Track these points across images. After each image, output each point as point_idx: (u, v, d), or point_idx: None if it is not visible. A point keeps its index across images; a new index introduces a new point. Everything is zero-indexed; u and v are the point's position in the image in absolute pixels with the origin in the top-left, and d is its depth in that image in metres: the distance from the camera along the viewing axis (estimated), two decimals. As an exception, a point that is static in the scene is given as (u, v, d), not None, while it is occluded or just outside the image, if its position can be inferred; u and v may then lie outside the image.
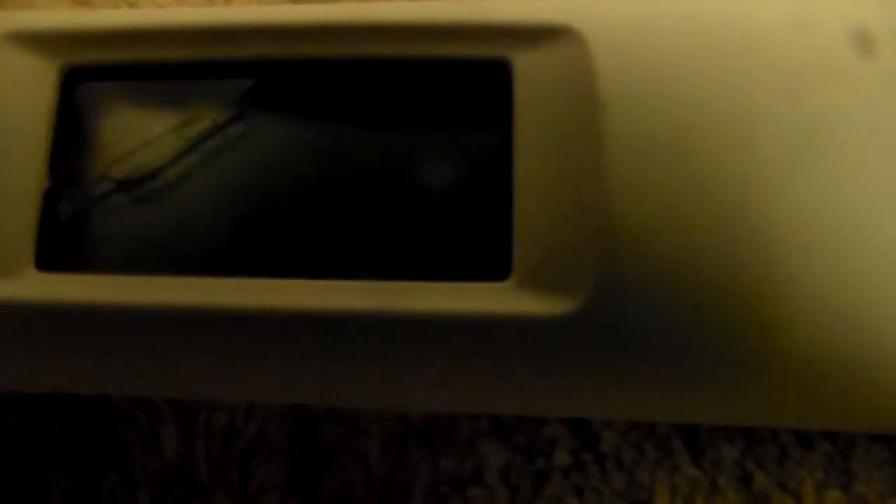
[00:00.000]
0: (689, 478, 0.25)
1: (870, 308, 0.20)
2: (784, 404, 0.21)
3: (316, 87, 0.22)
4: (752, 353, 0.20)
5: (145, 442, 0.26)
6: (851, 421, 0.22)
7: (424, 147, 0.21)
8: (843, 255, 0.19)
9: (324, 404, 0.24)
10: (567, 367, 0.20)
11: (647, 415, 0.22)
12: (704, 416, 0.22)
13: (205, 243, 0.21)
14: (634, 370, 0.20)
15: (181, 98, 0.22)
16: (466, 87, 0.21)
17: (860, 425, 0.22)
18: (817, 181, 0.20)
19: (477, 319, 0.20)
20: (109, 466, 0.25)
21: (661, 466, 0.25)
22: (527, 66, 0.21)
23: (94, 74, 0.22)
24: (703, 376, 0.20)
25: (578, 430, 0.25)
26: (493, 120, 0.21)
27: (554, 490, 0.25)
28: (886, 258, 0.20)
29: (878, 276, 0.20)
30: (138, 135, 0.22)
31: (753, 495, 0.25)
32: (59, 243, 0.21)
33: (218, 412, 0.26)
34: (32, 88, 0.22)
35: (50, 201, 0.21)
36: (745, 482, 0.25)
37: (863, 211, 0.20)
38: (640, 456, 0.25)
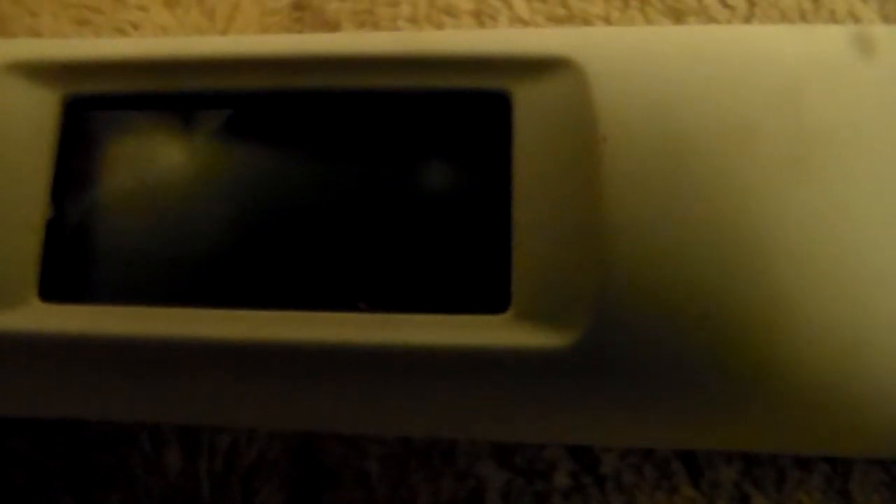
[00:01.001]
0: (688, 499, 0.25)
1: (869, 333, 0.20)
2: (783, 431, 0.21)
3: (314, 119, 0.22)
4: (751, 381, 0.20)
5: (148, 462, 0.26)
6: (850, 447, 0.22)
7: (423, 179, 0.21)
8: (844, 276, 0.20)
9: (324, 430, 0.24)
10: (566, 399, 0.20)
11: (646, 443, 0.23)
12: (703, 443, 0.22)
13: (207, 275, 0.21)
14: (633, 401, 0.20)
15: (186, 127, 0.22)
16: (466, 118, 0.21)
17: (859, 451, 0.23)
18: (817, 197, 0.20)
19: (475, 352, 0.20)
20: (112, 487, 0.26)
21: (660, 489, 0.25)
22: (526, 98, 0.21)
23: (96, 104, 0.22)
24: (702, 406, 0.20)
25: (578, 452, 0.25)
26: (493, 152, 0.21)
27: (553, 512, 0.25)
28: (888, 276, 0.20)
29: (879, 301, 0.20)
30: (142, 164, 0.22)
31: (752, 517, 0.25)
32: (63, 274, 0.22)
33: (221, 433, 0.26)
34: (35, 118, 0.22)
35: (53, 231, 0.22)
36: (743, 504, 0.25)
37: (864, 220, 0.20)
38: (639, 478, 0.25)
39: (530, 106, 0.21)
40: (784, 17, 0.26)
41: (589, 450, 0.25)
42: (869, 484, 0.25)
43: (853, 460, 0.25)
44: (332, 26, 0.27)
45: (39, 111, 0.22)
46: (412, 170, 0.22)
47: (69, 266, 0.22)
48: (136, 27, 0.28)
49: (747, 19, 0.27)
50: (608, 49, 0.21)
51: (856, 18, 0.26)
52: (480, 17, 0.27)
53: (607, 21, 0.27)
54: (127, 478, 0.26)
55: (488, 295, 0.20)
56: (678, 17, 0.27)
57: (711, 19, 0.27)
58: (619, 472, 0.25)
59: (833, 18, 0.26)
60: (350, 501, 0.26)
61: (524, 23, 0.27)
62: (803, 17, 0.26)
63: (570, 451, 0.25)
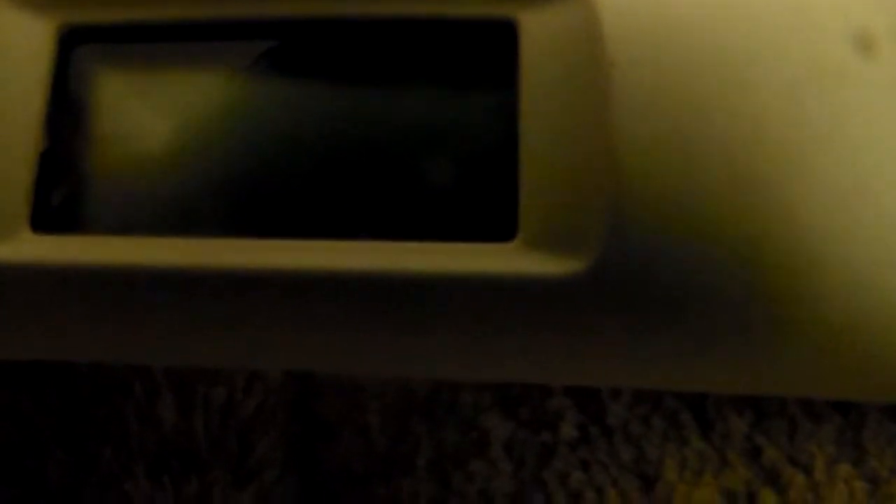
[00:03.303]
0: (698, 451, 0.24)
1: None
2: (805, 371, 0.20)
3: (318, 48, 0.21)
4: (769, 316, 0.19)
5: (143, 415, 0.25)
6: (873, 391, 0.21)
7: (429, 107, 0.21)
8: (863, 200, 0.19)
9: (325, 370, 0.24)
10: (576, 331, 0.20)
11: (659, 382, 0.22)
12: (718, 383, 0.21)
13: (205, 204, 0.21)
14: (646, 334, 0.20)
15: (183, 59, 0.22)
16: (472, 46, 0.21)
17: (883, 396, 0.22)
18: (830, 122, 0.19)
19: (483, 280, 0.19)
20: (106, 439, 0.25)
21: (669, 440, 0.24)
22: (533, 26, 0.20)
23: (92, 35, 0.22)
24: (718, 341, 0.20)
25: (585, 402, 0.25)
26: (499, 80, 0.20)
27: (560, 464, 0.24)
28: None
29: (873, 249, 0.19)
30: (137, 95, 0.22)
31: (763, 469, 0.24)
32: (56, 205, 0.21)
33: (217, 386, 0.25)
34: (29, 48, 0.21)
35: (46, 163, 0.21)
36: (754, 456, 0.24)
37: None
38: (647, 429, 0.24)
39: (537, 32, 0.20)
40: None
41: (596, 400, 0.25)
42: (882, 436, 0.24)
43: (866, 412, 0.24)
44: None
45: (34, 41, 0.21)
46: (418, 98, 0.21)
47: (61, 197, 0.21)
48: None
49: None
50: (617, -26, 0.20)
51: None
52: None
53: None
54: (121, 431, 0.25)
55: (495, 222, 0.20)
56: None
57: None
58: (626, 423, 0.24)
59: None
60: (350, 455, 0.25)
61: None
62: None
63: (577, 401, 0.25)
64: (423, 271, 0.19)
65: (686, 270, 0.19)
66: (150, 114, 0.22)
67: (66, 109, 0.21)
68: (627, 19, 0.20)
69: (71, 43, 0.22)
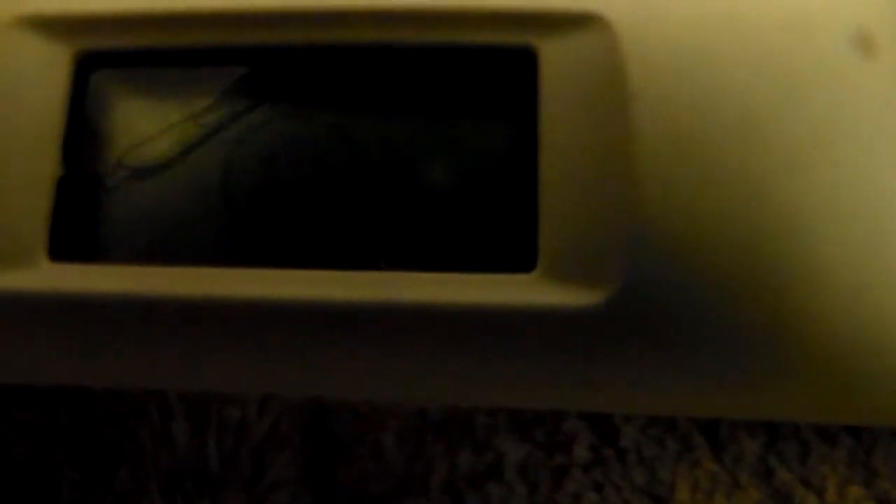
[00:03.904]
0: (710, 473, 0.24)
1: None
2: (817, 397, 0.20)
3: (337, 75, 0.21)
4: (784, 345, 0.19)
5: (157, 436, 0.25)
6: (885, 415, 0.21)
7: (449, 136, 0.21)
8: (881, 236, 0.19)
9: (343, 397, 0.24)
10: (594, 361, 0.20)
11: (676, 409, 0.22)
12: (733, 410, 0.22)
13: (222, 233, 0.21)
14: (663, 364, 0.20)
15: (199, 84, 0.22)
16: (492, 75, 0.21)
17: (894, 419, 0.22)
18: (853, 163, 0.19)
19: (502, 311, 0.19)
20: (120, 461, 0.25)
21: (681, 462, 0.24)
22: (554, 54, 0.20)
23: (109, 60, 0.22)
24: (734, 370, 0.20)
25: (598, 425, 0.25)
26: (519, 108, 0.20)
27: (573, 486, 0.24)
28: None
29: (882, 273, 0.20)
30: (154, 122, 0.21)
31: (775, 491, 0.24)
32: (73, 233, 0.21)
33: (230, 406, 0.25)
34: (46, 74, 0.21)
35: (63, 190, 0.21)
36: (766, 478, 0.24)
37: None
38: (661, 451, 0.25)
39: (558, 62, 0.20)
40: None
41: (609, 422, 0.25)
42: (893, 457, 0.24)
43: (877, 434, 0.25)
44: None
45: (51, 67, 0.21)
46: (438, 127, 0.21)
47: (79, 225, 0.21)
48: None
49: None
50: (637, 4, 0.20)
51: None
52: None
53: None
54: (135, 452, 0.25)
55: (515, 253, 0.20)
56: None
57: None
58: (639, 445, 0.25)
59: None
60: (364, 475, 0.25)
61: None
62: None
63: (591, 423, 0.25)
64: (442, 302, 0.19)
65: (702, 300, 0.19)
66: (168, 139, 0.21)
67: (83, 135, 0.21)
68: (648, 48, 0.20)
69: (88, 68, 0.22)
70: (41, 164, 0.21)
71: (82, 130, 0.21)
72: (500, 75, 0.21)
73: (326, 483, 0.25)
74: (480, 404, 0.24)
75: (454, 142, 0.21)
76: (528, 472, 0.24)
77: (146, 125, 0.22)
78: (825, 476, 0.24)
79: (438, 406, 0.25)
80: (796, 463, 0.24)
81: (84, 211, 0.21)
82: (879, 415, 0.21)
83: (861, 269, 0.19)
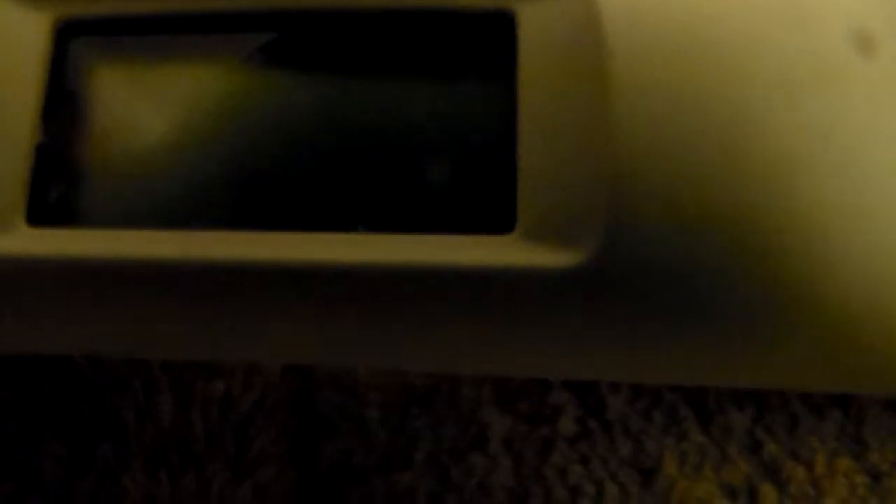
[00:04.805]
0: (698, 445, 0.24)
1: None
2: (806, 363, 0.20)
3: (314, 40, 0.21)
4: (770, 308, 0.19)
5: (141, 410, 0.25)
6: (874, 384, 0.21)
7: (428, 99, 0.21)
8: (864, 193, 0.19)
9: (322, 362, 0.24)
10: (575, 323, 0.20)
11: (660, 376, 0.22)
12: (719, 376, 0.21)
13: (201, 196, 0.21)
14: (647, 327, 0.20)
15: (180, 52, 0.22)
16: (470, 38, 0.21)
17: (884, 389, 0.22)
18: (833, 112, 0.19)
19: (481, 273, 0.19)
20: (104, 435, 0.25)
21: (669, 434, 0.24)
22: (532, 17, 0.20)
23: (89, 28, 0.22)
24: (719, 333, 0.20)
25: (584, 396, 0.24)
26: (497, 71, 0.20)
27: (559, 459, 0.24)
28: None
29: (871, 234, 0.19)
30: (135, 88, 0.21)
31: (763, 464, 0.24)
32: (52, 199, 0.21)
33: (215, 380, 0.25)
34: (25, 42, 0.21)
35: (42, 156, 0.21)
36: (755, 450, 0.24)
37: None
38: (647, 423, 0.24)
39: (536, 24, 0.20)
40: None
41: (595, 394, 0.24)
42: (883, 429, 0.24)
43: (867, 406, 0.24)
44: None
45: (29, 35, 0.21)
46: (417, 90, 0.21)
47: (58, 191, 0.21)
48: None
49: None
50: (615, -36, 0.20)
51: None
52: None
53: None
54: (119, 426, 0.25)
55: (494, 215, 0.20)
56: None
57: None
58: (626, 418, 0.24)
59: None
60: (349, 450, 0.25)
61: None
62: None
63: (576, 395, 0.25)
64: (421, 263, 0.19)
65: (686, 262, 0.19)
66: (147, 106, 0.21)
67: (62, 102, 0.21)
68: (626, 10, 0.20)
69: (67, 36, 0.22)
70: (20, 130, 0.21)
71: (62, 97, 0.21)
72: (478, 39, 0.21)
73: (310, 457, 0.25)
74: (461, 371, 0.23)
75: (433, 104, 0.21)
76: (514, 444, 0.24)
77: (125, 92, 0.22)
78: (814, 448, 0.24)
79: (422, 379, 0.24)
80: (785, 436, 0.24)
81: (63, 177, 0.21)
82: (869, 382, 0.21)
83: (851, 239, 0.19)
